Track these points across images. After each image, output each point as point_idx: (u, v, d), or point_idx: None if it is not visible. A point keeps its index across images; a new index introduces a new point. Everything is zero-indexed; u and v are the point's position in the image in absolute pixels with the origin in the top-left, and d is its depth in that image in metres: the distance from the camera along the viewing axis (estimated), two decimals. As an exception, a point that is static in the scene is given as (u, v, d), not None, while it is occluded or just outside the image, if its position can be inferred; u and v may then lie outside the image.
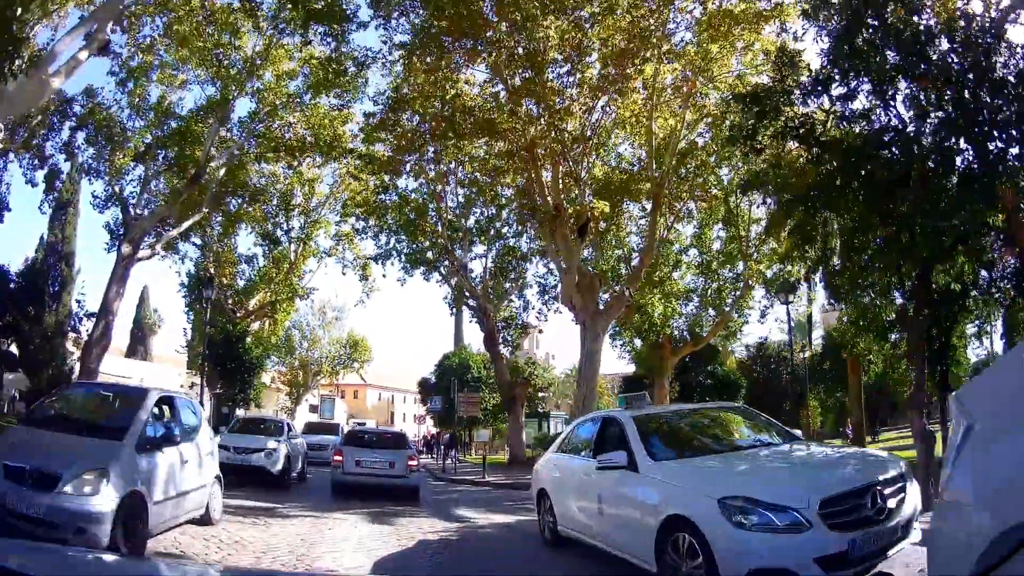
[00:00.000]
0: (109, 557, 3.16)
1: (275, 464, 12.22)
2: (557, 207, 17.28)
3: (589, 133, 17.29)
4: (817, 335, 38.39)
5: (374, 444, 12.56)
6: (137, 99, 22.09)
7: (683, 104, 17.60)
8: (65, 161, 22.65)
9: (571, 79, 16.89)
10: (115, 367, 34.55)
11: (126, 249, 21.08)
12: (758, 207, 25.48)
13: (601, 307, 17.59)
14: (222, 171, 22.99)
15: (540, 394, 28.29)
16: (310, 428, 24.86)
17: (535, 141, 17.23)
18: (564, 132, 15.95)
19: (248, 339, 28.22)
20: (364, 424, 36.73)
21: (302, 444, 14.78)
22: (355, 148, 23.27)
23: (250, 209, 28.12)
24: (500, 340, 25.46)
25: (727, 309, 26.68)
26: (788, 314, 19.18)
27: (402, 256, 27.05)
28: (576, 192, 17.66)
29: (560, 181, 18.09)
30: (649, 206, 20.56)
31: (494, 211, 27.26)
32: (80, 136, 21.97)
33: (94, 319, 21.41)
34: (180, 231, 22.94)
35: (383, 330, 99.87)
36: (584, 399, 16.55)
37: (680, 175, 19.74)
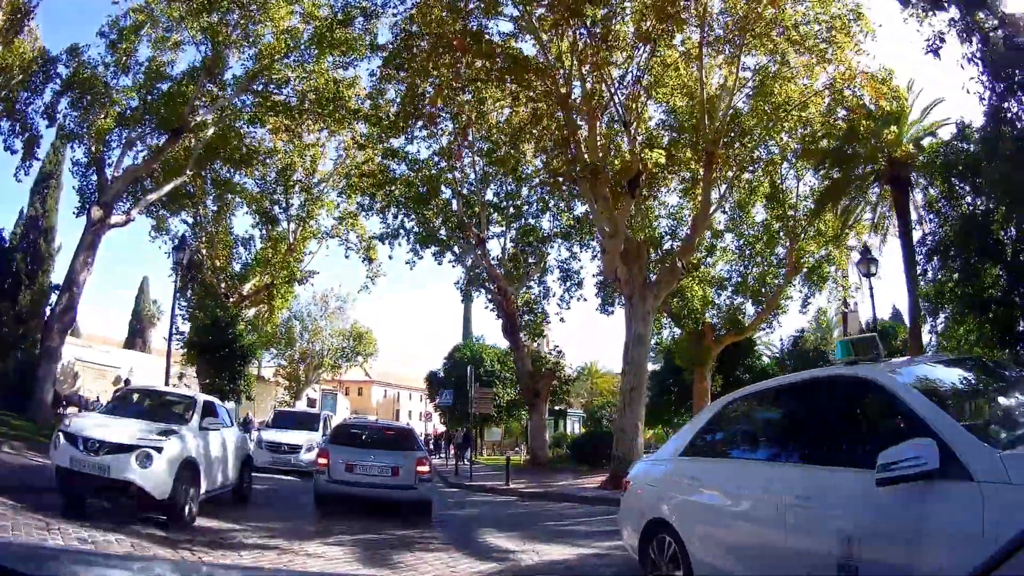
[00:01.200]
0: (109, 557, 3.06)
1: (154, 477, 6.26)
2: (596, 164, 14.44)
3: (637, 73, 14.35)
4: (837, 333, 35.47)
5: (372, 443, 9.60)
6: (124, 56, 19.71)
7: (740, 40, 14.66)
8: (48, 127, 20.53)
9: (613, 22, 14.12)
10: (103, 358, 32.05)
11: (96, 213, 18.62)
12: (805, 184, 23.02)
13: (650, 281, 14.58)
14: (210, 131, 20.78)
15: (566, 387, 25.19)
16: (278, 419, 19.22)
17: (569, 95, 14.45)
18: (610, 65, 13.02)
19: (240, 325, 25.40)
20: (365, 418, 33.64)
21: (238, 440, 8.99)
22: (360, 107, 20.85)
23: (244, 180, 25.81)
24: (521, 327, 22.45)
25: (771, 294, 23.77)
26: (871, 287, 16.11)
27: (411, 236, 24.28)
28: (624, 140, 14.69)
29: (599, 137, 15.30)
30: (696, 172, 17.88)
31: (513, 186, 24.49)
32: (64, 101, 19.80)
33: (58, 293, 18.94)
34: (160, 195, 20.38)
35: (389, 324, 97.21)
36: (632, 390, 13.60)
37: (728, 139, 16.95)
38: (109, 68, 19.65)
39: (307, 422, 17.61)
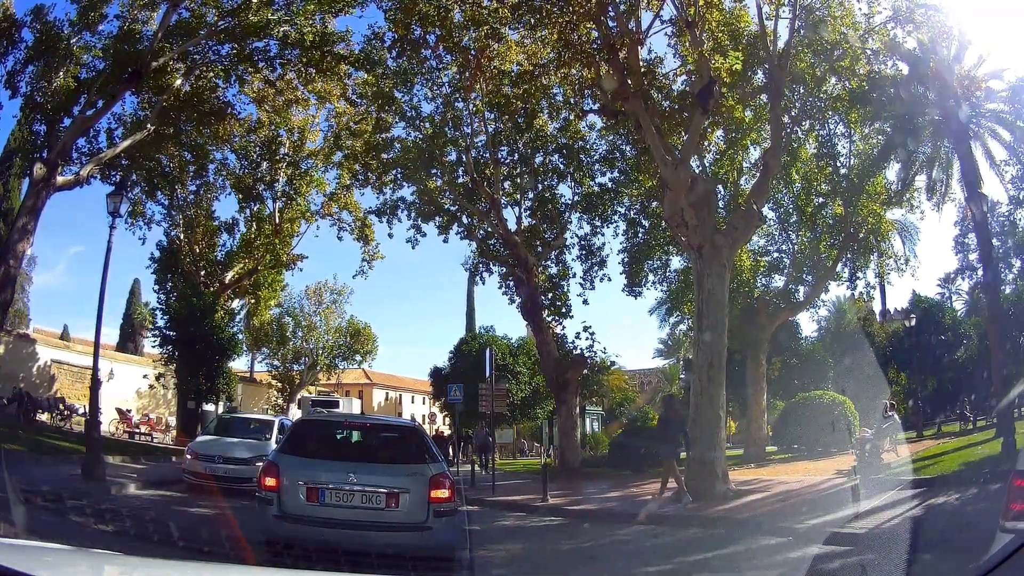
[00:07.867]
0: (109, 557, 2.95)
1: None
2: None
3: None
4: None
5: (354, 452, 6.27)
6: (93, 12, 17.09)
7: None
8: (11, 99, 17.96)
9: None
10: (82, 360, 28.82)
11: (39, 170, 15.82)
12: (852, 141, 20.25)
13: (724, 227, 11.42)
14: (178, 81, 18.07)
15: (599, 376, 21.72)
16: None
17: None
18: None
19: (218, 313, 22.26)
20: (357, 409, 29.56)
21: None
22: (352, 52, 18.12)
23: (227, 157, 23.00)
24: (543, 306, 19.16)
25: (828, 264, 20.86)
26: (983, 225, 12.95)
27: (411, 210, 21.16)
28: (688, 40, 11.56)
29: (640, 63, 12.33)
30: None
31: (527, 150, 21.42)
32: (29, 71, 17.35)
33: None
34: (117, 152, 17.51)
35: (388, 324, 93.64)
36: (709, 367, 10.38)
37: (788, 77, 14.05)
38: (75, 27, 17.26)
39: None
